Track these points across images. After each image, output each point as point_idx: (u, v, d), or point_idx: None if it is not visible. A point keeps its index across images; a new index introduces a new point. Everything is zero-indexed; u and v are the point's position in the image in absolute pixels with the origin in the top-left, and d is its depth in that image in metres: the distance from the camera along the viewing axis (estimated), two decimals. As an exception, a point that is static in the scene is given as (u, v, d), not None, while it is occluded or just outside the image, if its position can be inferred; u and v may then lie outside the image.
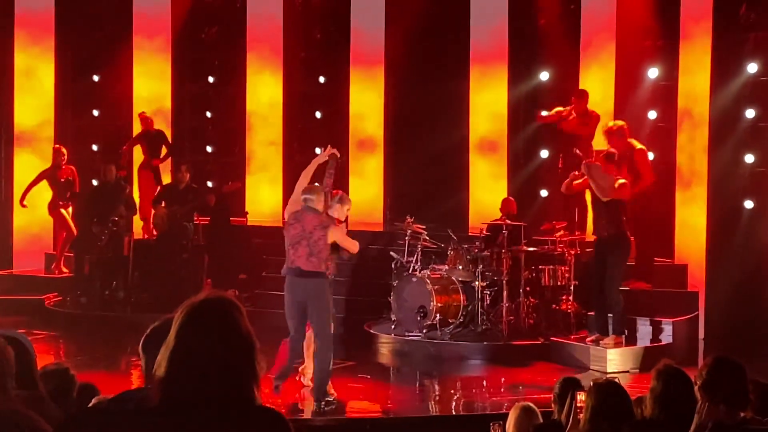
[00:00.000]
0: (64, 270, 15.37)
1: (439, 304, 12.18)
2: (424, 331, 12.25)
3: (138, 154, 16.09)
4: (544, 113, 13.85)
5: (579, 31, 14.64)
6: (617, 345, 11.31)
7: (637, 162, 12.10)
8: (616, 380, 5.36)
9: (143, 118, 15.77)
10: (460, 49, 15.58)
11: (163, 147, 15.90)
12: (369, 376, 11.16)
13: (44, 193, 15.40)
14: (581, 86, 14.06)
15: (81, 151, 16.67)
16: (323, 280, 9.47)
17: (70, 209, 15.48)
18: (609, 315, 11.35)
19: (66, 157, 15.32)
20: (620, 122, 12.37)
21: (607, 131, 12.15)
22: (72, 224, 15.31)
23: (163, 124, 16.44)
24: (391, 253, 13.29)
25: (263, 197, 16.78)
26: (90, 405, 4.94)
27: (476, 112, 15.68)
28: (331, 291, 9.75)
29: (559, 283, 12.49)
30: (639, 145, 12.23)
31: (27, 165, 16.35)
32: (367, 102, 16.39)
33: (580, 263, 12.33)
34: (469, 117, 15.68)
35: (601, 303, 11.39)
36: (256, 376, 2.85)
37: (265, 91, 16.87)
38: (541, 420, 5.92)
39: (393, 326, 12.64)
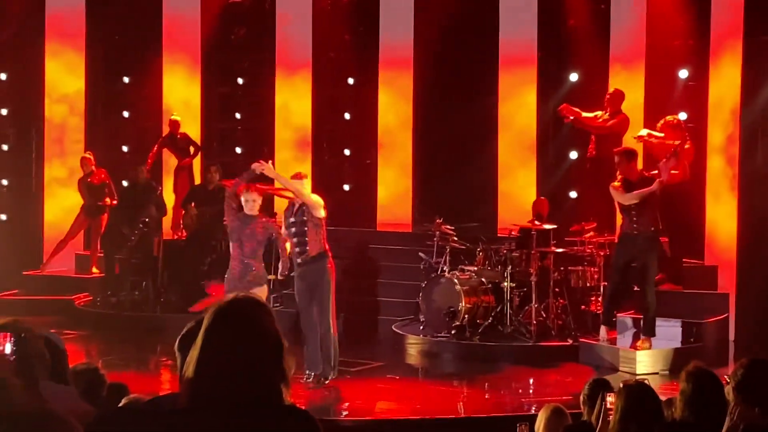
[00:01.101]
0: (95, 271, 15.45)
1: (468, 305, 12.16)
2: (453, 332, 12.23)
3: (169, 158, 16.19)
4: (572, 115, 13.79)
5: (609, 31, 14.57)
6: (647, 347, 11.25)
7: (685, 157, 12.12)
8: (646, 382, 5.33)
9: (171, 122, 15.83)
10: (489, 49, 15.53)
11: (191, 147, 15.99)
12: (397, 377, 11.16)
13: (78, 197, 15.50)
14: (611, 87, 13.97)
15: (111, 152, 16.75)
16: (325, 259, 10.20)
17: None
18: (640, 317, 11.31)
19: (94, 161, 15.39)
20: (676, 116, 12.47)
21: (668, 124, 12.22)
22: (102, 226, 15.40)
23: (193, 126, 16.49)
24: (420, 254, 13.28)
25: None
26: (120, 404, 4.97)
27: (505, 114, 15.63)
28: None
29: (588, 284, 12.45)
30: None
31: (57, 168, 16.48)
32: (395, 104, 16.38)
33: (610, 264, 12.27)
34: (498, 119, 15.63)
35: (621, 302, 11.40)
36: (285, 377, 2.85)
37: (294, 93, 16.89)
38: (571, 421, 5.90)
39: (421, 327, 12.63)
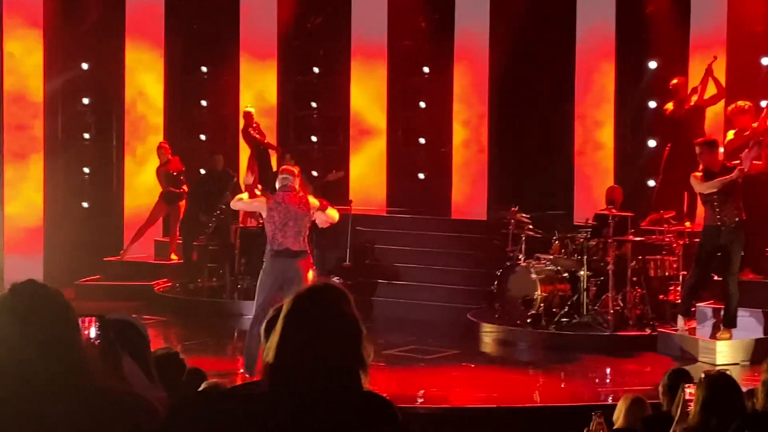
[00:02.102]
0: (174, 257, 15.66)
1: (544, 294, 12.10)
2: (528, 320, 12.18)
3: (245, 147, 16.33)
4: (652, 103, 13.67)
5: (689, 17, 14.36)
6: (727, 337, 11.10)
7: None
8: (728, 372, 5.26)
9: (246, 113, 15.94)
10: (566, 37, 15.40)
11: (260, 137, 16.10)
12: (473, 365, 11.15)
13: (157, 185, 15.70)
14: (691, 75, 13.80)
15: (189, 141, 16.95)
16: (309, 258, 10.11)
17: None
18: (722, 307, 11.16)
19: (169, 151, 15.55)
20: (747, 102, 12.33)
21: (738, 109, 12.10)
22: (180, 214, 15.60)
23: (268, 115, 16.60)
24: (495, 242, 13.24)
25: (367, 186, 16.85)
26: (199, 389, 5.03)
27: (582, 102, 15.50)
28: None
29: (667, 274, 12.30)
30: None
31: (137, 156, 16.72)
32: (471, 93, 16.33)
33: (690, 254, 12.11)
34: (575, 107, 15.50)
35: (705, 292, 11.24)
36: (363, 363, 2.87)
37: (368, 81, 16.92)
38: (650, 412, 5.84)
39: (497, 315, 12.60)
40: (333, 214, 10.48)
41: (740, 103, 12.42)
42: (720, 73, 13.86)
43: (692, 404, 4.97)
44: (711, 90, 13.16)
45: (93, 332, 3.08)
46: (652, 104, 14.70)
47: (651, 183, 14.76)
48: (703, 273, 11.36)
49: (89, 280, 15.42)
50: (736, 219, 11.05)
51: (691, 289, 11.49)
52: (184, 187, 15.43)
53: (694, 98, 13.13)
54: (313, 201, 10.34)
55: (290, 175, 10.26)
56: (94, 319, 3.08)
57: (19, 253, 15.65)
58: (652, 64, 14.85)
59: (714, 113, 13.50)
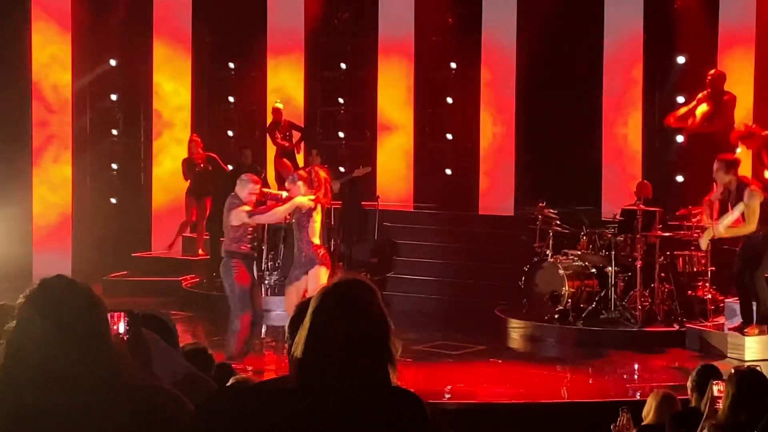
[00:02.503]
0: (201, 253, 15.70)
1: (571, 290, 12.07)
2: (556, 316, 12.15)
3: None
4: (680, 98, 13.62)
5: (717, 12, 14.28)
6: (761, 333, 11.02)
7: None
8: (758, 368, 5.24)
9: (274, 109, 15.97)
10: (594, 32, 15.35)
11: (294, 132, 16.12)
12: (500, 361, 11.13)
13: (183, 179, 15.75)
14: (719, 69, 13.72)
15: (217, 137, 17.00)
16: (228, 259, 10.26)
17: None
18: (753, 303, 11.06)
19: (201, 145, 15.58)
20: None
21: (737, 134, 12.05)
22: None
23: (295, 111, 16.63)
24: (522, 237, 13.21)
25: (394, 182, 16.85)
26: (228, 384, 5.04)
27: (609, 98, 15.43)
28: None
29: (695, 269, 12.23)
30: None
31: (165, 151, 16.79)
32: (498, 88, 16.30)
33: (718, 249, 12.04)
34: (603, 102, 15.44)
35: (745, 290, 11.10)
36: (392, 358, 2.86)
37: (395, 77, 16.92)
38: (680, 408, 5.82)
39: (524, 311, 12.58)
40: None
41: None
42: (748, 67, 13.79)
43: (721, 401, 4.95)
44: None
45: (122, 327, 3.10)
46: (680, 99, 14.63)
47: (680, 178, 14.70)
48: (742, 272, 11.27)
49: (117, 275, 15.50)
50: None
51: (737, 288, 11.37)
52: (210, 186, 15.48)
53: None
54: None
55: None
56: (123, 314, 3.10)
57: (48, 248, 15.75)
58: (681, 60, 14.77)
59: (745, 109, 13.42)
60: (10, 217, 15.01)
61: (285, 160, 15.98)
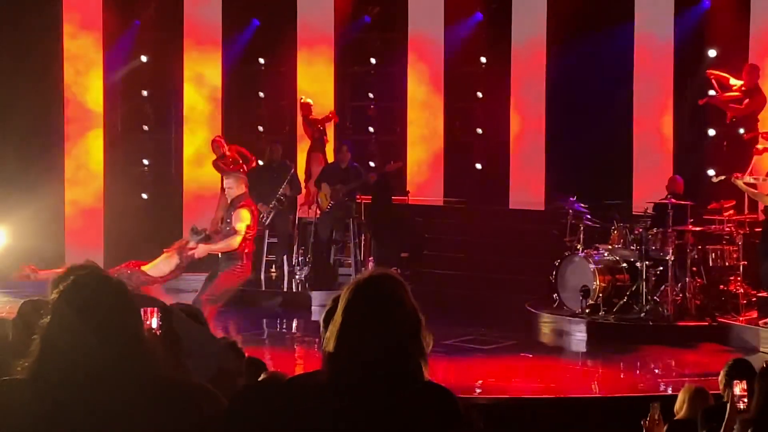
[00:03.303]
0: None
1: (602, 284, 12.03)
2: (587, 310, 12.12)
3: (302, 138, 16.40)
4: (712, 92, 13.53)
5: (749, 5, 14.17)
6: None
7: None
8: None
9: (303, 105, 15.97)
10: (624, 26, 15.26)
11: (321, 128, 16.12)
12: (531, 355, 11.12)
13: (215, 175, 15.78)
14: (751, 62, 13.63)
15: (247, 132, 17.04)
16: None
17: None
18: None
19: (223, 145, 15.53)
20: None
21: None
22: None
23: (325, 106, 16.64)
24: (553, 232, 13.17)
25: (425, 176, 16.84)
26: (259, 379, 5.07)
27: (640, 92, 15.35)
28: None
29: (727, 264, 12.17)
30: None
31: (196, 147, 16.85)
32: (528, 82, 16.25)
33: (750, 244, 11.98)
34: (633, 97, 15.36)
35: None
36: (423, 352, 2.87)
37: (425, 71, 16.91)
38: (712, 402, 5.80)
39: (555, 305, 12.55)
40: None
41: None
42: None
43: (744, 400, 4.92)
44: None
45: (155, 322, 3.12)
46: (712, 93, 14.53)
47: (711, 172, 14.60)
48: None
49: (149, 270, 15.54)
50: None
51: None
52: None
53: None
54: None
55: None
56: (156, 309, 3.12)
57: (80, 244, 15.83)
58: (712, 53, 14.68)
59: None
60: (43, 211, 15.08)
61: (319, 154, 15.99)
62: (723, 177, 12.20)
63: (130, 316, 2.90)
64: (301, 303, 13.79)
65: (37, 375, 2.80)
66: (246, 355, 5.76)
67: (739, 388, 5.04)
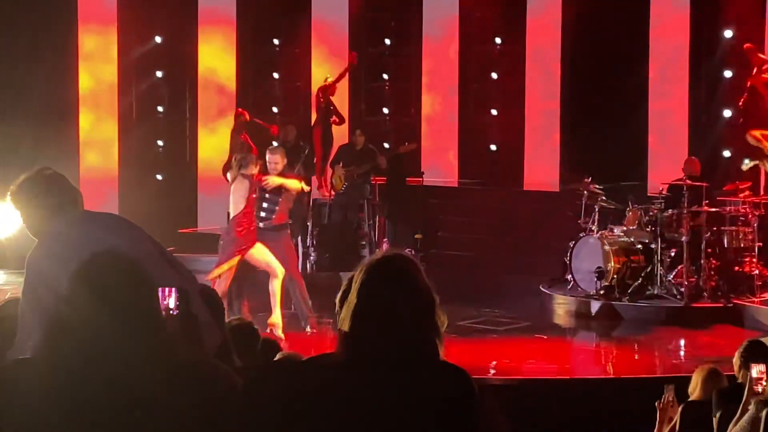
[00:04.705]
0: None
1: (617, 266, 12.02)
2: (601, 292, 12.11)
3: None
4: (727, 73, 13.49)
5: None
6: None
7: None
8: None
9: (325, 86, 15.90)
10: (640, 6, 15.19)
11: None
12: (545, 337, 11.12)
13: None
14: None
15: (261, 113, 17.02)
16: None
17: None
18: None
19: (247, 118, 15.55)
20: None
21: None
22: None
23: (340, 87, 16.61)
24: (568, 213, 13.16)
25: (439, 158, 16.83)
26: (275, 359, 5.08)
27: (655, 72, 15.29)
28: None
29: (742, 245, 12.14)
30: None
31: (210, 128, 16.86)
32: (543, 63, 16.21)
33: (766, 224, 11.94)
34: (649, 78, 15.30)
35: None
36: (438, 331, 2.88)
37: (440, 51, 16.87)
38: (727, 384, 5.79)
39: (569, 287, 12.55)
40: None
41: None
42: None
43: (762, 382, 4.91)
44: None
45: (172, 303, 3.13)
46: (727, 74, 14.48)
47: (726, 153, 14.56)
48: None
49: (164, 251, 15.57)
50: None
51: None
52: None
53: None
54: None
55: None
56: (173, 289, 3.12)
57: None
58: (728, 33, 14.60)
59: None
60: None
61: (319, 130, 15.91)
62: (754, 163, 12.14)
63: (146, 296, 2.90)
64: (315, 284, 13.79)
65: (50, 353, 2.81)
66: (260, 335, 5.76)
67: (756, 370, 5.03)
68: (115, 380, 2.75)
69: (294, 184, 10.73)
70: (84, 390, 2.74)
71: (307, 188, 11.36)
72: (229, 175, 10.85)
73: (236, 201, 10.52)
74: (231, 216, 10.66)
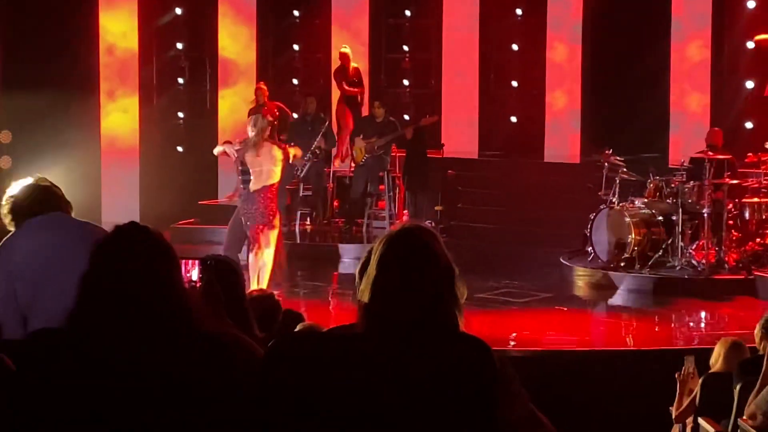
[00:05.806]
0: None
1: (638, 237, 11.98)
2: (622, 264, 12.09)
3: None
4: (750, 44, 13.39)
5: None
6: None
7: None
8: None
9: (342, 54, 15.89)
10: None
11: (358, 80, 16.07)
12: (565, 308, 11.12)
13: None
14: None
15: (281, 85, 17.03)
16: None
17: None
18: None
19: (267, 93, 15.57)
20: None
21: None
22: None
23: (360, 59, 16.59)
24: (589, 185, 13.12)
25: (459, 129, 16.79)
26: (296, 330, 5.10)
27: (677, 43, 15.20)
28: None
29: (763, 217, 12.09)
30: None
31: (230, 100, 16.86)
32: (564, 35, 16.13)
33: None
34: (671, 49, 15.21)
35: None
36: (458, 303, 2.88)
37: (460, 23, 16.80)
38: (749, 356, 5.79)
39: (590, 259, 12.53)
40: None
41: None
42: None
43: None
44: None
45: (195, 274, 3.14)
46: (750, 45, 14.37)
47: (749, 125, 14.47)
48: None
49: (185, 223, 15.65)
50: None
51: None
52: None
53: None
54: None
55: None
56: (196, 261, 3.13)
57: (116, 197, 15.94)
58: (751, 4, 14.49)
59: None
60: (79, 164, 15.16)
61: (347, 108, 15.94)
62: None
63: (170, 267, 2.91)
64: (336, 255, 13.84)
65: (74, 323, 2.83)
66: (282, 307, 5.79)
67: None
68: (136, 350, 2.77)
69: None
70: (106, 358, 2.77)
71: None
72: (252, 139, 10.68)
73: (271, 170, 10.48)
74: (262, 186, 10.53)
